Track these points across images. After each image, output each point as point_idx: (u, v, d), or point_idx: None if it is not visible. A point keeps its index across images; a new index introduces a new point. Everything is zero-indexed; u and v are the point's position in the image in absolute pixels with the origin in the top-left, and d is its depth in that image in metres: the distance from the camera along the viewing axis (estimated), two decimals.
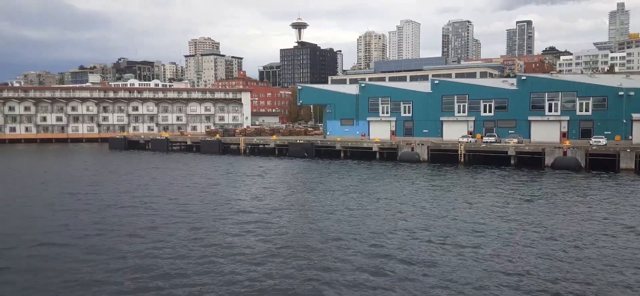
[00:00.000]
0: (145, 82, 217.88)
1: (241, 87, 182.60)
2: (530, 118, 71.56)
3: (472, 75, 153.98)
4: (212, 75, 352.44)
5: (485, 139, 66.01)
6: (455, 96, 77.45)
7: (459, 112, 77.25)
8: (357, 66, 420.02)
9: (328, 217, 29.88)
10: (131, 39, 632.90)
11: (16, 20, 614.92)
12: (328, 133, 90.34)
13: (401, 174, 51.81)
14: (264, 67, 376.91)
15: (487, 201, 34.98)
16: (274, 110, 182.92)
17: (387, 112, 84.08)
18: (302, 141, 78.15)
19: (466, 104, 76.62)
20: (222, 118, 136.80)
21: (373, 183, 45.45)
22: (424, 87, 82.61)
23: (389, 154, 69.56)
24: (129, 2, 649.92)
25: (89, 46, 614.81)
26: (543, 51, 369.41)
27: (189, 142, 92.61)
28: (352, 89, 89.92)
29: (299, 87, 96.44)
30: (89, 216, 30.57)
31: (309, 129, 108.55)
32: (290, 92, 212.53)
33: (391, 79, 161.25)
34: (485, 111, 75.35)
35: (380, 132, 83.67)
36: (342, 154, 73.50)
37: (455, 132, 76.53)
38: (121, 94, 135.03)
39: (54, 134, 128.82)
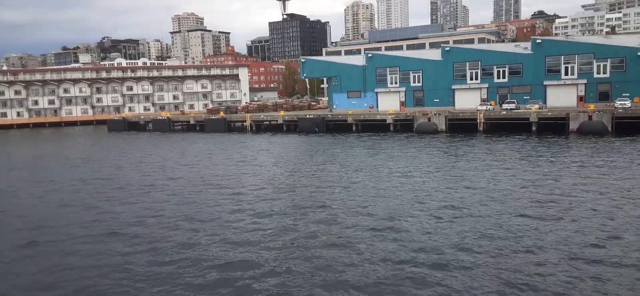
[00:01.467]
0: (133, 61, 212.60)
1: (231, 62, 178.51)
2: (546, 83, 70.12)
3: (470, 41, 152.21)
4: (200, 51, 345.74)
5: (505, 106, 64.47)
6: (467, 63, 75.58)
7: (471, 79, 75.51)
8: (346, 37, 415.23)
9: (373, 198, 28.15)
10: (112, 18, 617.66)
11: None
12: (334, 107, 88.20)
13: (423, 146, 50.19)
14: (252, 42, 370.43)
15: (528, 173, 33.49)
16: (272, 85, 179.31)
17: (396, 83, 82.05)
18: (312, 116, 76.01)
19: (479, 71, 74.84)
20: (219, 95, 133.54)
21: (400, 157, 43.76)
22: (434, 54, 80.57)
23: (403, 126, 67.83)
24: None
25: (70, 27, 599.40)
26: (532, 14, 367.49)
27: (192, 122, 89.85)
28: (359, 60, 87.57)
29: (303, 60, 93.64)
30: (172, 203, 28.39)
31: (312, 103, 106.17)
32: (283, 67, 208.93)
33: (387, 48, 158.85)
34: (499, 77, 73.69)
35: (389, 103, 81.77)
36: (354, 128, 71.60)
37: (468, 100, 74.98)
38: (114, 74, 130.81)
39: (46, 118, 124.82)
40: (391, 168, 37.38)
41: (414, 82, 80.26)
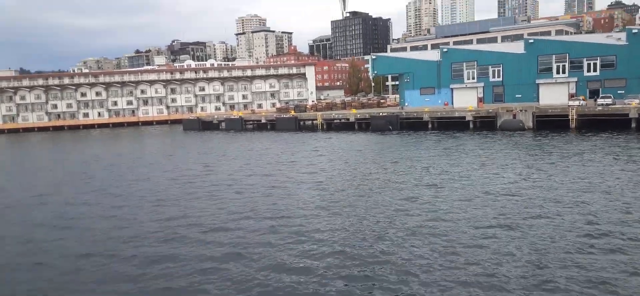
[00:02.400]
0: (202, 63, 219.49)
1: (293, 61, 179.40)
2: None
3: (547, 33, 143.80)
4: (263, 52, 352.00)
5: (600, 101, 59.56)
6: (554, 56, 70.83)
7: (557, 73, 70.70)
8: (407, 33, 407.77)
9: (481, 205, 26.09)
10: (179, 22, 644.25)
11: (70, 10, 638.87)
12: (406, 104, 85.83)
13: (515, 145, 47.07)
14: (314, 41, 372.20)
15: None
16: (337, 83, 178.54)
17: (473, 78, 78.49)
18: (385, 114, 74.17)
19: (566, 64, 69.93)
20: (286, 94, 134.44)
21: (495, 157, 41.10)
22: (516, 47, 76.24)
23: (484, 123, 64.46)
24: None
25: (140, 31, 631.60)
26: (608, 5, 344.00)
27: (263, 121, 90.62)
28: (432, 55, 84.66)
29: (373, 57, 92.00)
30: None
31: (381, 100, 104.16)
32: (347, 65, 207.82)
33: (455, 43, 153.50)
34: (589, 71, 68.49)
35: (465, 100, 78.32)
36: (430, 126, 68.97)
37: (554, 95, 70.28)
38: (187, 75, 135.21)
39: (125, 118, 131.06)
40: (495, 172, 35.00)
41: (493, 77, 76.40)
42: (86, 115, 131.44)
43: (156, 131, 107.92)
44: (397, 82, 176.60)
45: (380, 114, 74.35)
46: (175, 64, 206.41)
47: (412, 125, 71.35)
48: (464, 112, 66.26)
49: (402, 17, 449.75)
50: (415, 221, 22.20)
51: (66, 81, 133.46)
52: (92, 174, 44.48)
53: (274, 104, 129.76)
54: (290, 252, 19.12)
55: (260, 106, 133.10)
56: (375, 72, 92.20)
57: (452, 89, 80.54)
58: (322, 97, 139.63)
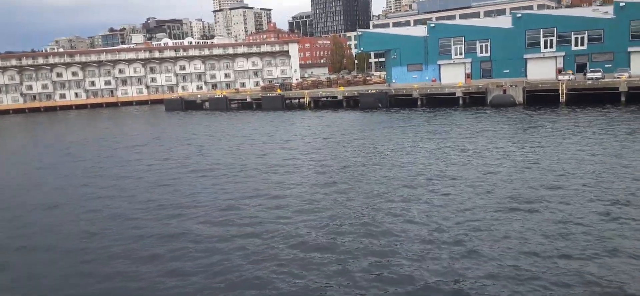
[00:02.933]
0: (179, 41, 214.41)
1: (274, 39, 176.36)
2: (630, 49, 64.66)
3: (529, 8, 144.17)
4: (242, 29, 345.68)
5: (590, 75, 59.73)
6: (541, 30, 70.63)
7: (545, 47, 70.65)
8: (387, 10, 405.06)
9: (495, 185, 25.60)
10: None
11: None
12: (393, 81, 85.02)
13: (509, 121, 46.87)
14: (294, 18, 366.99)
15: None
16: (321, 61, 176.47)
17: (460, 54, 77.99)
18: (374, 91, 73.35)
19: (554, 39, 69.89)
20: (270, 72, 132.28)
21: (491, 133, 40.78)
22: (504, 22, 75.90)
23: (474, 99, 64.15)
24: None
25: (113, 9, 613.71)
26: None
27: (248, 100, 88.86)
28: (419, 31, 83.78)
29: (359, 33, 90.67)
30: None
31: (367, 78, 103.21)
32: (328, 42, 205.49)
33: (438, 19, 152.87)
34: (576, 45, 68.61)
35: (453, 76, 77.97)
36: (419, 102, 68.43)
37: (542, 70, 70.40)
38: (167, 54, 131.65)
39: (103, 98, 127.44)
40: (495, 145, 34.59)
41: (481, 52, 76.04)
42: (63, 96, 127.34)
43: (137, 112, 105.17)
44: (381, 59, 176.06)
45: (369, 91, 73.49)
46: (152, 43, 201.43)
47: (401, 102, 70.68)
48: (454, 88, 65.84)
49: None
50: (421, 202, 21.57)
51: (40, 61, 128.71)
52: (88, 159, 42.71)
53: (257, 83, 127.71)
54: (307, 238, 18.28)
55: (243, 84, 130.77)
56: (361, 48, 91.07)
57: (439, 65, 79.97)
58: (306, 75, 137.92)
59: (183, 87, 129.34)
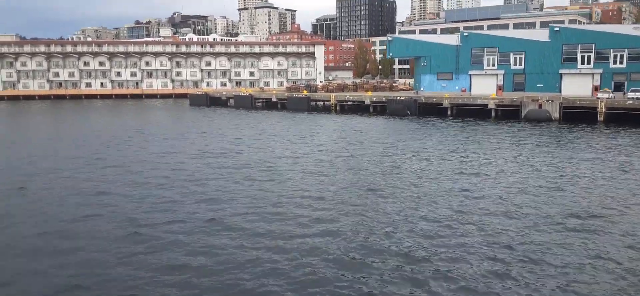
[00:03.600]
0: (203, 37, 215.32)
1: (301, 40, 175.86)
2: None
3: (560, 22, 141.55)
4: (266, 29, 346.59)
5: (631, 94, 57.64)
6: (579, 46, 68.64)
7: (582, 63, 68.62)
8: (412, 17, 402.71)
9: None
10: None
11: None
12: (421, 88, 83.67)
13: (548, 137, 45.27)
14: (318, 20, 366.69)
15: None
16: (347, 64, 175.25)
17: (493, 65, 76.30)
18: (403, 97, 72.09)
19: (592, 55, 67.84)
20: (294, 73, 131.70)
21: (536, 149, 39.31)
22: (540, 35, 73.95)
23: (507, 112, 62.42)
24: None
25: (137, 2, 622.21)
26: None
27: (274, 99, 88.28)
28: (451, 40, 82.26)
29: (389, 39, 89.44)
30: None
31: (394, 84, 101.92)
32: (353, 46, 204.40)
33: (466, 28, 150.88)
34: (615, 62, 66.47)
35: (484, 87, 76.32)
36: (449, 112, 66.95)
37: (577, 86, 68.44)
38: (194, 49, 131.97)
39: (128, 90, 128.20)
40: (540, 163, 33.18)
41: (515, 64, 74.28)
42: (88, 85, 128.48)
43: (161, 105, 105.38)
44: (405, 66, 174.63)
45: (397, 98, 72.20)
46: (184, 37, 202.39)
47: (431, 111, 69.27)
48: (487, 99, 64.22)
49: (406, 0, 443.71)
50: (468, 216, 20.40)
51: (69, 48, 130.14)
52: (124, 153, 42.36)
53: (281, 83, 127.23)
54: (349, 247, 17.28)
55: (266, 84, 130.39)
56: (391, 54, 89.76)
57: (470, 75, 78.41)
58: (330, 77, 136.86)
59: (207, 83, 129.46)
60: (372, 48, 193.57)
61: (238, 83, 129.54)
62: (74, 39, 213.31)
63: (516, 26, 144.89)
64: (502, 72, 75.17)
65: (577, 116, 56.92)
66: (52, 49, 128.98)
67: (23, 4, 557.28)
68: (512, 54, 74.44)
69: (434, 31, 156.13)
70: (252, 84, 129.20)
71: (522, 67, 73.68)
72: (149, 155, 38.08)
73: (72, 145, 45.35)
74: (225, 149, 40.88)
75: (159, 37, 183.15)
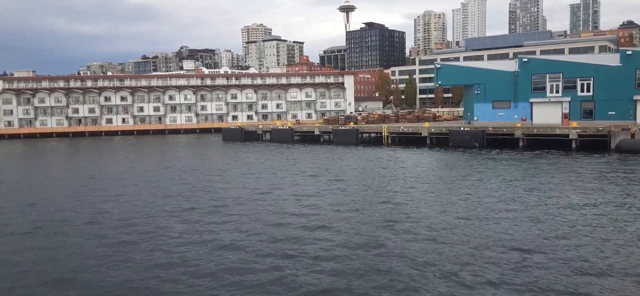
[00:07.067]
0: (214, 70, 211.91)
1: (307, 70, 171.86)
2: None
3: (590, 50, 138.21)
4: (275, 61, 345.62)
5: None
6: None
7: None
8: (416, 47, 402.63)
9: None
10: (180, 31, 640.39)
11: (71, 16, 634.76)
12: (475, 118, 78.60)
13: None
14: (325, 51, 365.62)
15: None
16: (376, 95, 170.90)
17: (557, 91, 71.46)
18: (468, 128, 66.93)
19: None
20: (323, 104, 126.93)
21: None
22: (610, 59, 69.40)
23: (592, 143, 57.18)
24: None
25: (141, 39, 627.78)
26: (620, 25, 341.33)
27: (316, 132, 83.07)
28: (508, 66, 77.73)
29: (438, 66, 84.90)
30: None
31: (438, 114, 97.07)
32: (369, 76, 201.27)
33: (490, 57, 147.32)
34: None
35: (547, 115, 71.42)
36: (521, 143, 61.65)
37: None
38: (219, 82, 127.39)
39: (151, 125, 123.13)
40: None
41: (582, 91, 69.44)
42: (109, 121, 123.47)
43: (189, 141, 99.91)
44: (430, 96, 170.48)
45: (462, 128, 67.00)
46: (210, 70, 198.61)
47: (500, 142, 64.02)
48: (568, 129, 58.96)
49: (409, 30, 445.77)
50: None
51: (89, 84, 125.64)
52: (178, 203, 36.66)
53: (309, 115, 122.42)
54: None
55: (294, 116, 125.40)
56: (439, 82, 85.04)
57: (531, 103, 73.52)
58: (360, 108, 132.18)
59: (233, 117, 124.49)
60: (392, 77, 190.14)
61: (265, 116, 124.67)
62: (81, 74, 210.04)
63: (543, 53, 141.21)
64: (568, 99, 70.30)
65: None
66: (72, 84, 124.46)
67: (29, 43, 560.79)
68: (578, 79, 69.69)
69: (457, 59, 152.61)
70: (279, 116, 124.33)
71: (590, 93, 68.84)
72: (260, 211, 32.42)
73: (158, 190, 39.65)
74: (322, 190, 35.25)
75: (183, 70, 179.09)
